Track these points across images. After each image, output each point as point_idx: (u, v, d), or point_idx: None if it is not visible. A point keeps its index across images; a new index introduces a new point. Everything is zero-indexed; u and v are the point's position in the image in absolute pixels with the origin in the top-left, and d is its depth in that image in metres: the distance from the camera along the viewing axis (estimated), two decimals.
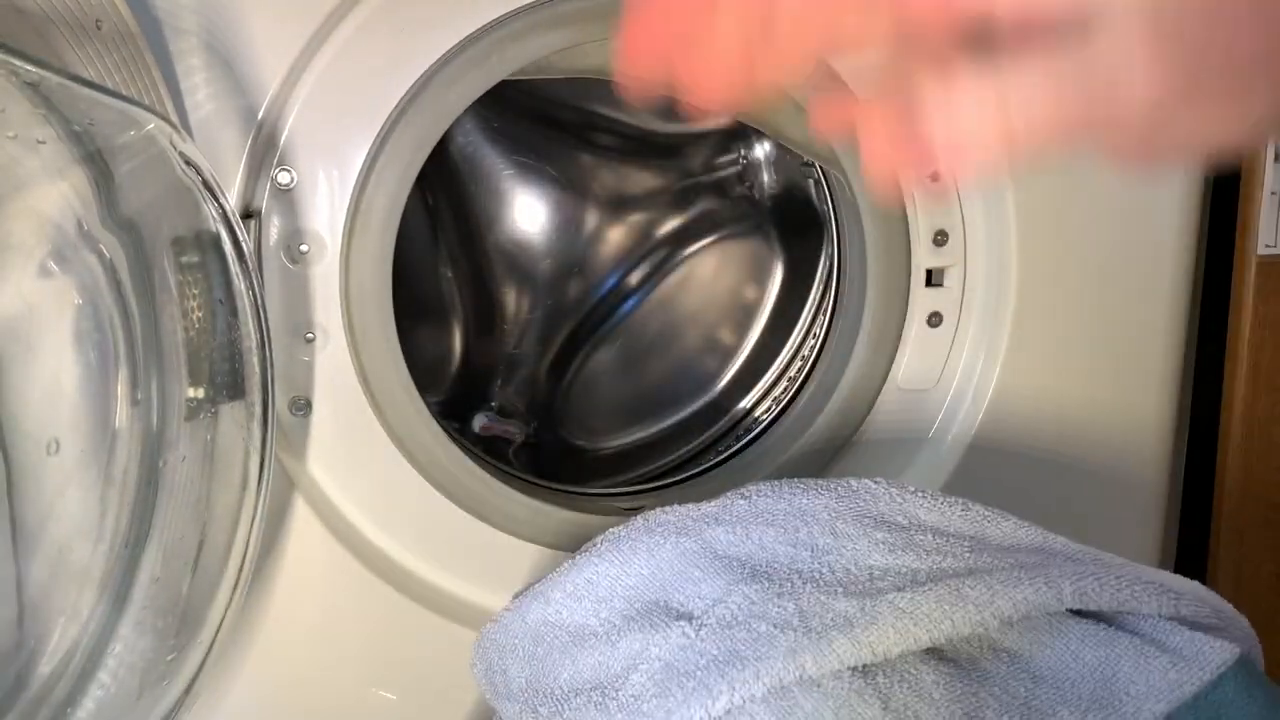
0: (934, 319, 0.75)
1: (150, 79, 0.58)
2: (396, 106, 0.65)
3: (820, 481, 0.61)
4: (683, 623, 0.54)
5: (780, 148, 0.90)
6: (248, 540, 0.60)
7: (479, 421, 0.93)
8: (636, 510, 0.66)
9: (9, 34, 0.51)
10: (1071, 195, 0.74)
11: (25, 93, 0.49)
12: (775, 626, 0.51)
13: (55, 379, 0.57)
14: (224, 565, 0.60)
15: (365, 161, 0.65)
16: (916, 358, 0.76)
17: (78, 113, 0.52)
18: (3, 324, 0.55)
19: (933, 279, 0.75)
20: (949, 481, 0.77)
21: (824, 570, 0.55)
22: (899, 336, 0.76)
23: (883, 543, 0.56)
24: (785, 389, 0.84)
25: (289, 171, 0.65)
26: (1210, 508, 0.86)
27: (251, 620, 0.69)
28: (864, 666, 0.51)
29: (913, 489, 0.61)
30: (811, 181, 0.87)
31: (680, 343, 0.96)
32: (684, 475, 0.85)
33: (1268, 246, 0.80)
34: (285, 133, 0.64)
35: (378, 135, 0.65)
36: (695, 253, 0.97)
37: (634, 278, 0.96)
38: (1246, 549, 0.84)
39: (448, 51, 0.65)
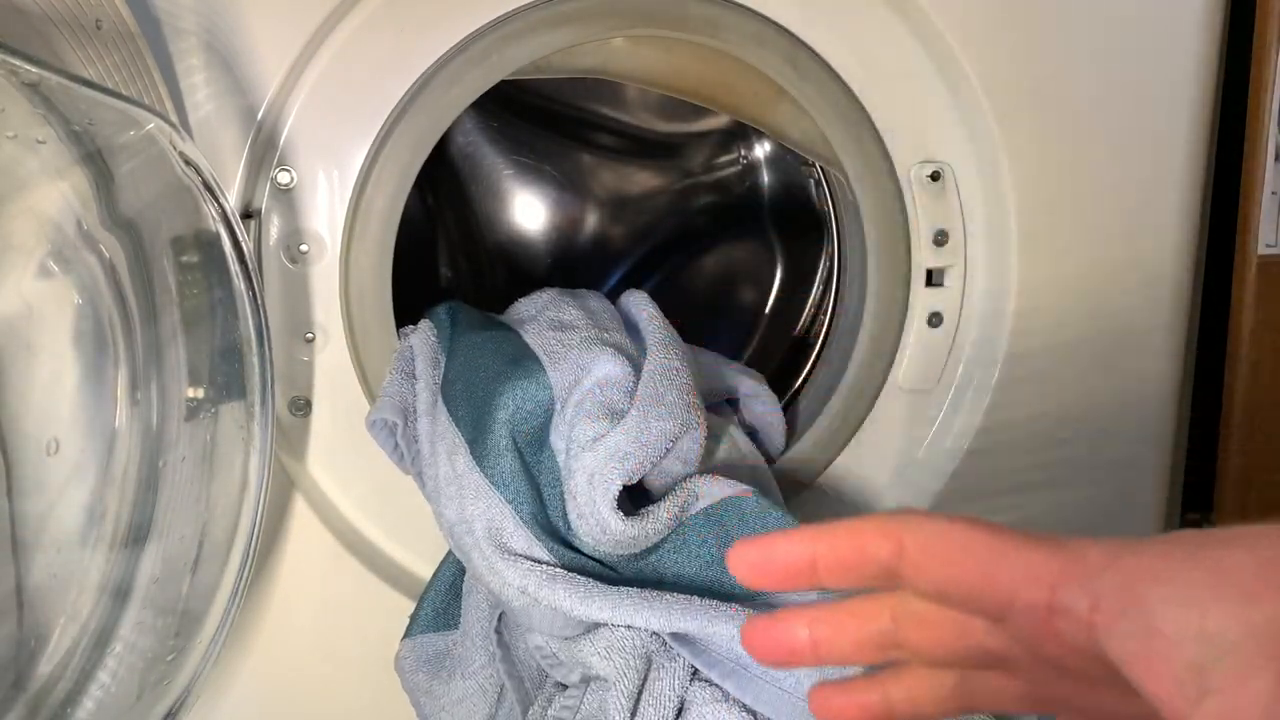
0: (934, 319, 0.75)
1: (150, 79, 0.58)
2: (396, 106, 0.65)
3: None
4: None
5: (780, 148, 0.90)
6: (248, 540, 0.60)
7: None
8: None
9: (9, 34, 0.51)
10: (1072, 195, 0.74)
11: (25, 93, 0.49)
12: None
13: (55, 379, 0.57)
14: (224, 565, 0.60)
15: (365, 161, 0.65)
16: (916, 358, 0.76)
17: (78, 113, 0.52)
18: (3, 324, 0.55)
19: (933, 279, 0.75)
20: (949, 481, 0.77)
21: None
22: (899, 336, 0.76)
23: None
24: (785, 389, 0.84)
25: (289, 171, 0.65)
26: (1211, 507, 0.86)
27: (251, 620, 0.69)
28: None
29: None
30: (811, 181, 0.87)
31: None
32: None
33: (1268, 246, 0.80)
34: (285, 133, 0.64)
35: (378, 135, 0.65)
36: (695, 253, 0.97)
37: (634, 278, 0.96)
38: None
39: (448, 51, 0.65)
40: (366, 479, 0.70)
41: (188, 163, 0.54)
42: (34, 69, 0.46)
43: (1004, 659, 0.29)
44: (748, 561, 0.30)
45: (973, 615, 0.28)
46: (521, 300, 0.75)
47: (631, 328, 0.70)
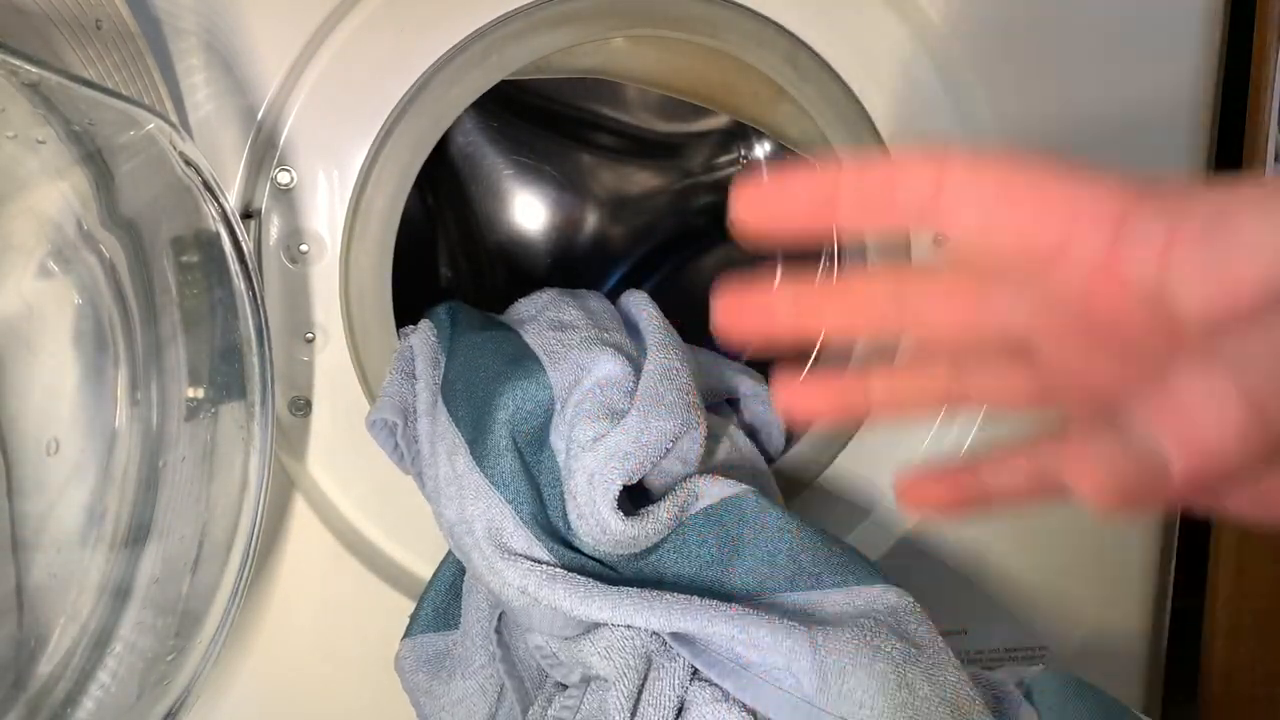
0: None
1: (150, 79, 0.58)
2: (396, 106, 0.65)
3: None
4: None
5: (780, 148, 0.90)
6: (248, 540, 0.60)
7: None
8: None
9: (9, 34, 0.51)
10: None
11: (25, 93, 0.49)
12: None
13: (55, 379, 0.57)
14: (224, 565, 0.60)
15: (365, 161, 0.65)
16: None
17: (78, 113, 0.52)
18: (3, 324, 0.55)
19: None
20: None
21: None
22: (899, 336, 0.76)
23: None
24: None
25: (289, 171, 0.65)
26: None
27: (251, 620, 0.69)
28: None
29: None
30: None
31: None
32: None
33: None
34: (285, 133, 0.64)
35: (378, 135, 0.65)
36: (695, 253, 0.97)
37: (634, 278, 0.96)
38: (1247, 549, 0.84)
39: (448, 51, 0.65)
40: (366, 479, 0.70)
41: (188, 163, 0.54)
42: (34, 69, 0.46)
43: (1024, 342, 0.25)
44: (749, 205, 0.25)
45: (1014, 263, 0.24)
46: (521, 300, 0.75)
47: (631, 328, 0.70)
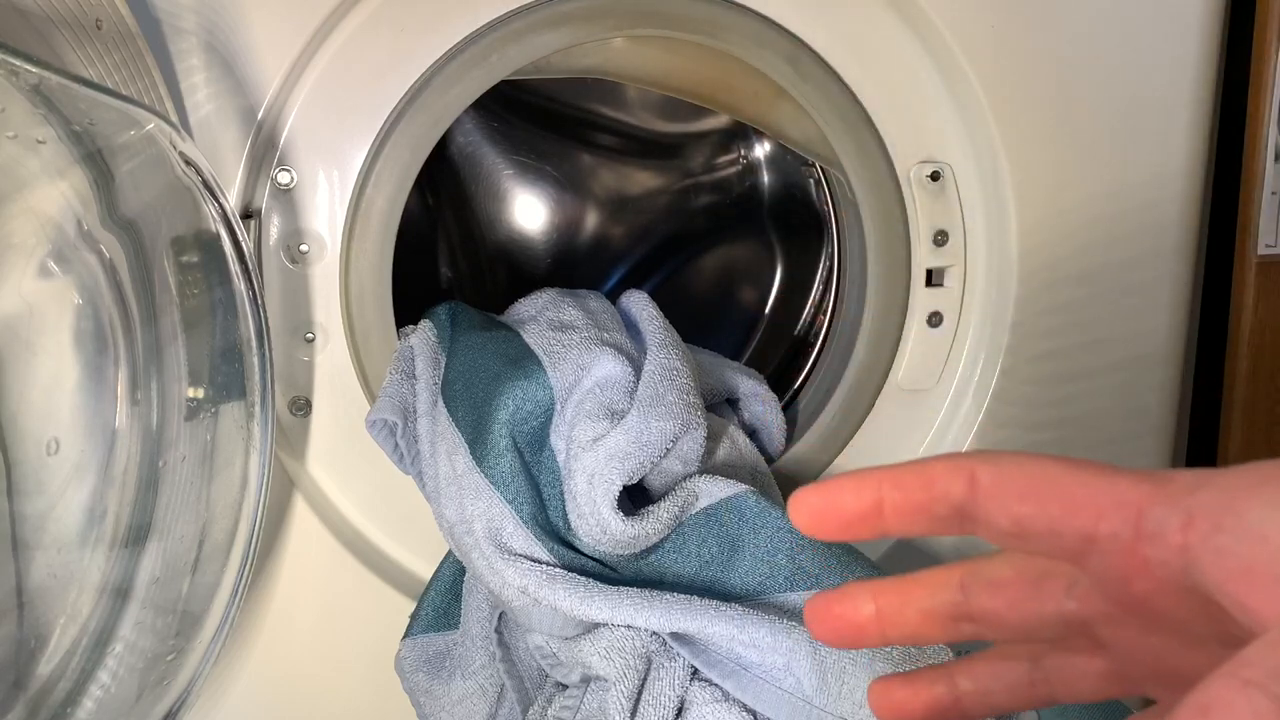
0: (934, 319, 0.75)
1: (150, 79, 0.58)
2: (396, 106, 0.65)
3: None
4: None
5: (780, 148, 0.90)
6: (248, 540, 0.60)
7: None
8: None
9: (9, 34, 0.51)
10: (1072, 195, 0.74)
11: (25, 93, 0.49)
12: None
13: (55, 379, 0.57)
14: (224, 565, 0.60)
15: (365, 161, 0.65)
16: (916, 358, 0.76)
17: (78, 113, 0.52)
18: (3, 324, 0.55)
19: (933, 279, 0.75)
20: None
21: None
22: (899, 336, 0.76)
23: None
24: (785, 389, 0.84)
25: (289, 171, 0.65)
26: None
27: (251, 620, 0.69)
28: None
29: None
30: (811, 181, 0.87)
31: None
32: None
33: (1268, 246, 0.80)
34: (285, 133, 0.64)
35: (378, 135, 0.65)
36: (695, 253, 0.97)
37: (634, 278, 0.96)
38: None
39: (448, 51, 0.65)
40: (366, 479, 0.70)
41: (188, 163, 0.54)
42: (34, 69, 0.46)
43: (1085, 622, 0.26)
44: (809, 508, 0.27)
45: (1052, 556, 0.25)
46: (521, 300, 0.75)
47: (631, 328, 0.70)
